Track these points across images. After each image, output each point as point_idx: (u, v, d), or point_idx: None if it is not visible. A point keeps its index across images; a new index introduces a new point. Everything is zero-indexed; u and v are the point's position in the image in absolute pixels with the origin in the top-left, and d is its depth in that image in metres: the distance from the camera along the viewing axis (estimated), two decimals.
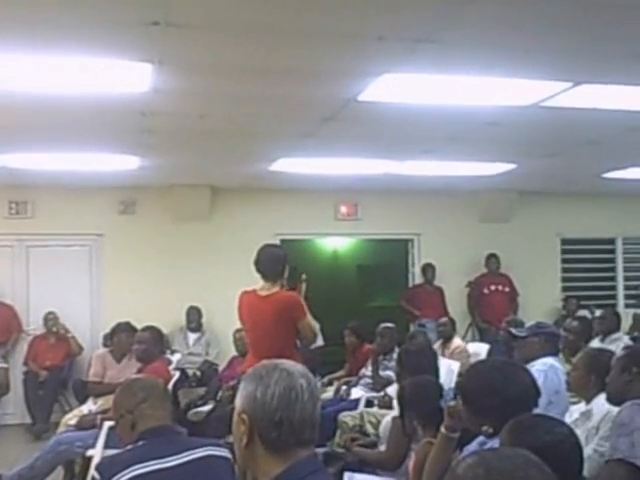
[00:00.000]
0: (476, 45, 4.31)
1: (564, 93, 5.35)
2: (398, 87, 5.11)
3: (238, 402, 1.95)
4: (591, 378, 3.79)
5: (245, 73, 4.77)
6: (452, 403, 3.12)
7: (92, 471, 2.70)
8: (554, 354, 4.75)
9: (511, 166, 8.54)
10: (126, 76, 4.76)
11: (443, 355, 7.87)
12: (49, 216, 9.45)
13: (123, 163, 7.80)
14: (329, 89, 5.18)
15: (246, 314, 5.39)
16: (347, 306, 12.50)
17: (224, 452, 2.82)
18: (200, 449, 2.77)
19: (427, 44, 4.19)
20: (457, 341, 8.14)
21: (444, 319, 8.53)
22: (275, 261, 5.21)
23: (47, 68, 4.57)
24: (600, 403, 3.70)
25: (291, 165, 8.19)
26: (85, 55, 4.34)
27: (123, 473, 2.58)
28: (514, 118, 6.13)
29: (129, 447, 2.83)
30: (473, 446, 2.88)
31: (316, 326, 5.61)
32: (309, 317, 5.15)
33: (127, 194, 9.66)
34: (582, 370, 3.87)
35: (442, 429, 3.16)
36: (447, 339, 8.20)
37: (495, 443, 2.66)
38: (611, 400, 3.43)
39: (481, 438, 2.84)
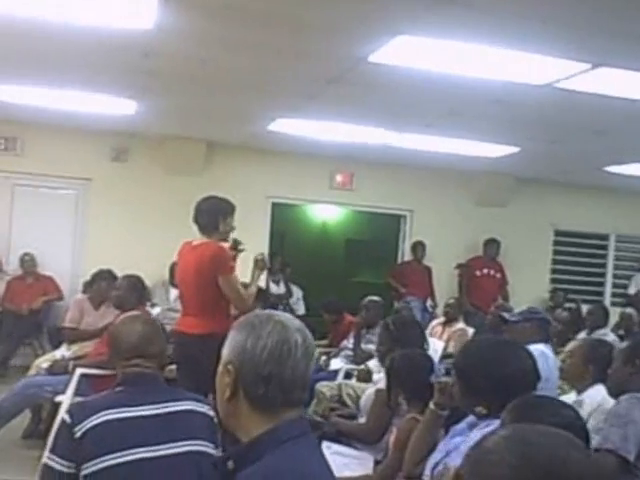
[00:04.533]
0: (497, 9, 4.13)
1: (581, 75, 5.20)
2: (411, 50, 4.95)
3: (225, 351, 1.79)
4: (588, 368, 3.67)
5: (255, 18, 4.58)
6: (444, 379, 2.98)
7: (62, 414, 2.53)
8: (545, 341, 4.62)
9: (514, 149, 8.37)
10: (132, 9, 4.54)
11: (442, 334, 7.75)
12: (38, 155, 9.20)
13: (119, 107, 7.56)
14: (341, 45, 4.99)
15: (178, 266, 5.23)
16: (332, 279, 12.41)
17: (205, 408, 2.66)
18: (180, 402, 2.61)
19: (449, 5, 4.00)
20: (461, 324, 8.00)
21: (452, 300, 8.39)
22: (208, 213, 4.98)
23: None
24: (593, 394, 3.58)
25: (290, 126, 7.99)
26: None
27: (95, 416, 2.42)
28: (525, 97, 5.96)
29: (106, 392, 2.67)
30: (462, 426, 2.73)
31: (252, 294, 5.08)
32: (235, 276, 4.85)
33: (120, 141, 9.42)
34: (579, 359, 3.75)
35: (431, 405, 3.02)
36: (451, 320, 8.05)
37: (487, 425, 2.52)
38: (611, 391, 3.31)
39: (471, 418, 2.69)
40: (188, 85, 6.52)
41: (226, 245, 5.04)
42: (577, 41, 4.56)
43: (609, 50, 4.67)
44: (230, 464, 1.74)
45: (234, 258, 5.07)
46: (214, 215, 4.96)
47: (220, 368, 1.80)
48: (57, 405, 5.34)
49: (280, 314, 1.83)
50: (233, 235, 5.16)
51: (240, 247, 5.14)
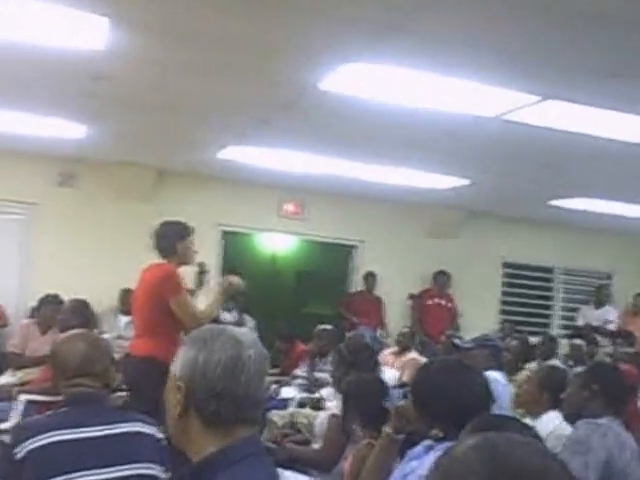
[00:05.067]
0: (446, 39, 4.17)
1: (530, 107, 5.26)
2: (361, 78, 4.97)
3: (175, 367, 1.72)
4: (543, 394, 3.66)
5: (205, 41, 4.56)
6: (402, 402, 2.93)
7: (2, 437, 2.42)
8: (498, 369, 4.62)
9: (464, 181, 8.44)
10: (82, 28, 4.46)
11: (394, 364, 7.72)
12: None
13: (68, 130, 7.42)
14: (292, 70, 4.98)
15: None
16: (283, 310, 12.30)
17: (153, 430, 2.57)
18: (127, 423, 2.52)
19: (398, 32, 4.03)
20: (413, 353, 7.98)
21: (405, 329, 8.39)
22: (164, 237, 5.00)
23: None
24: (546, 420, 3.57)
25: (240, 154, 7.94)
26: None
27: (37, 438, 2.32)
28: (475, 129, 6.02)
29: (49, 412, 2.57)
30: (418, 450, 2.69)
31: (209, 314, 5.01)
32: (185, 296, 4.79)
33: (67, 165, 9.23)
34: (534, 386, 3.74)
35: (387, 429, 2.96)
36: (404, 349, 8.03)
37: (444, 447, 2.47)
38: (567, 417, 3.30)
39: (428, 442, 2.65)
40: (139, 109, 6.43)
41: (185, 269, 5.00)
42: (526, 72, 4.62)
43: (558, 83, 4.75)
44: None
45: (200, 282, 5.07)
46: (171, 238, 4.96)
47: (169, 384, 1.73)
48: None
49: (233, 328, 1.77)
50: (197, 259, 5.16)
51: (205, 269, 5.14)
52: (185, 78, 5.39)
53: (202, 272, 5.18)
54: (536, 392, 3.72)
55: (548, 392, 3.65)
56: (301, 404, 6.35)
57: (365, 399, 3.48)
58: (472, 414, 2.38)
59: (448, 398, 2.50)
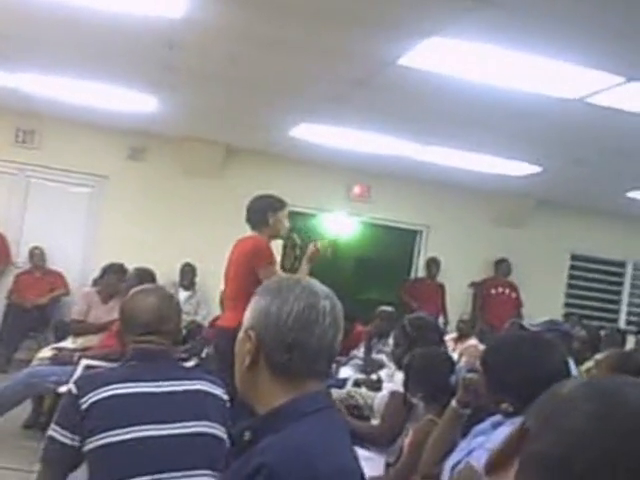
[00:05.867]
0: (535, 14, 4.04)
1: (614, 89, 5.07)
2: (441, 54, 4.84)
3: (247, 316, 1.68)
4: None
5: (285, 13, 4.50)
6: (470, 375, 2.84)
7: (69, 385, 2.41)
8: (567, 355, 4.47)
9: (536, 169, 8.24)
10: None
11: (454, 350, 7.64)
12: (55, 150, 9.14)
13: (139, 103, 7.48)
14: (371, 45, 4.89)
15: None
16: (341, 295, 12.21)
17: (219, 391, 2.54)
18: (193, 381, 2.49)
19: (486, 5, 3.90)
20: (473, 340, 7.89)
21: (465, 316, 8.31)
22: (254, 210, 5.06)
23: None
24: None
25: (312, 132, 7.90)
26: None
27: (102, 389, 2.31)
28: (553, 111, 5.84)
29: (116, 365, 2.55)
30: (485, 426, 2.60)
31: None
32: (275, 268, 4.81)
33: (138, 140, 9.35)
34: (606, 371, 3.60)
35: (453, 403, 2.88)
36: (464, 336, 7.95)
37: (513, 422, 2.38)
38: None
39: (495, 418, 2.56)
40: (212, 83, 6.43)
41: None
42: (613, 52, 4.45)
43: None
44: (247, 435, 1.61)
45: (294, 256, 5.07)
46: (263, 211, 5.01)
47: (240, 334, 1.68)
48: (59, 396, 5.22)
49: (308, 279, 1.72)
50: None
51: (296, 242, 5.13)
52: (261, 51, 5.35)
53: (293, 246, 5.18)
54: (607, 376, 3.58)
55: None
56: (357, 384, 6.31)
57: (430, 373, 3.39)
58: (546, 390, 2.29)
59: (524, 370, 2.39)
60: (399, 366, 4.09)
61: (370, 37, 4.75)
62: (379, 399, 4.25)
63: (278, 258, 5.32)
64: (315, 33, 4.82)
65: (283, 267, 5.03)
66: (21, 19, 5.25)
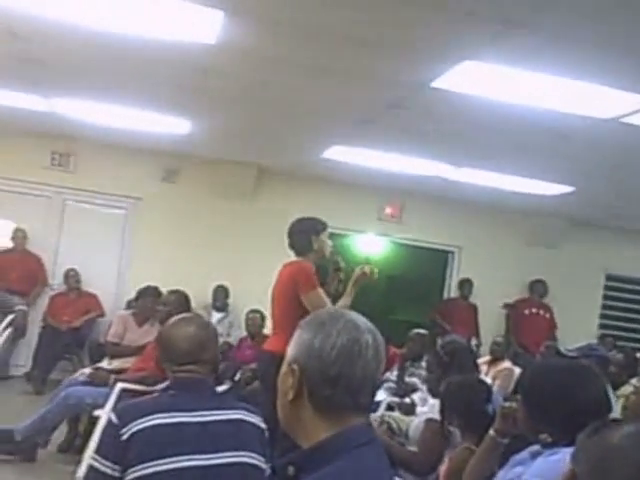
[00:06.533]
0: (570, 39, 4.03)
1: None
2: (475, 77, 4.84)
3: (290, 350, 1.67)
4: None
5: (320, 38, 4.53)
6: (508, 404, 2.82)
7: (109, 414, 2.42)
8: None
9: (569, 189, 8.19)
10: (195, 22, 4.51)
11: (487, 373, 7.58)
12: (90, 172, 9.27)
13: (173, 126, 7.56)
14: (404, 68, 4.90)
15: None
16: (371, 316, 12.18)
17: (256, 419, 2.54)
18: (232, 410, 2.50)
19: (517, 28, 3.91)
20: (507, 363, 7.83)
21: (499, 339, 8.25)
22: (299, 233, 4.98)
23: (113, 2, 4.32)
24: None
25: (344, 154, 7.91)
26: None
27: (143, 419, 2.32)
28: (587, 131, 5.81)
29: (156, 395, 2.56)
30: (523, 455, 2.57)
31: (340, 303, 4.88)
32: (319, 292, 4.72)
33: (171, 161, 9.45)
34: None
35: (491, 432, 2.85)
36: (498, 358, 7.89)
37: (553, 453, 2.36)
38: None
39: (534, 447, 2.53)
40: (246, 106, 6.49)
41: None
42: None
43: None
44: (291, 470, 1.61)
45: (337, 279, 5.01)
46: (306, 234, 4.95)
47: (283, 368, 1.68)
48: (95, 419, 5.26)
49: (351, 312, 1.72)
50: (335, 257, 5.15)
51: (340, 266, 5.08)
52: (294, 75, 5.39)
53: (337, 269, 5.13)
54: None
55: None
56: (390, 407, 6.28)
57: (466, 401, 3.37)
58: (589, 420, 2.25)
59: (564, 400, 2.36)
60: (433, 393, 4.07)
61: (402, 61, 4.77)
62: (414, 427, 4.21)
63: None
64: (347, 57, 4.84)
65: (327, 291, 4.95)
66: (57, 45, 5.34)
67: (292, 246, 5.01)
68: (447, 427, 3.47)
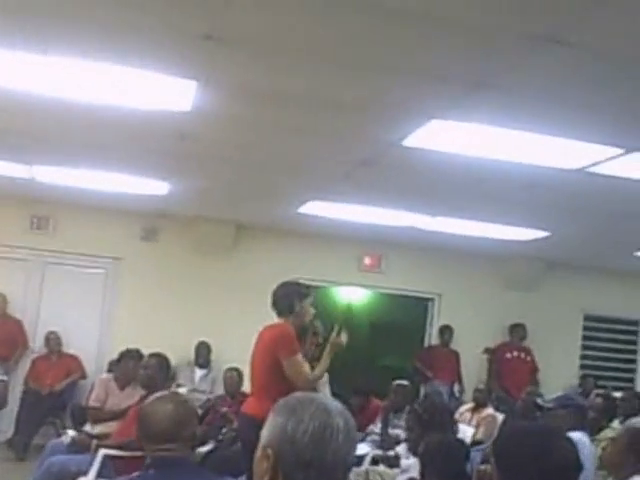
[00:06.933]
0: (532, 97, 4.18)
1: (614, 160, 5.18)
2: (444, 135, 4.98)
3: (264, 435, 1.73)
4: (629, 457, 3.53)
5: (290, 101, 4.64)
6: (483, 467, 2.87)
7: None
8: (582, 429, 4.49)
9: (544, 233, 8.34)
10: (169, 92, 4.62)
11: (470, 420, 7.62)
12: (70, 234, 9.32)
13: (152, 187, 7.65)
14: (376, 128, 5.04)
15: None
16: (357, 363, 12.25)
17: None
18: None
19: (486, 89, 4.04)
20: (490, 410, 7.87)
21: (481, 385, 8.32)
22: (281, 297, 5.05)
23: (89, 74, 4.42)
24: None
25: (320, 209, 8.03)
26: (129, 65, 4.22)
27: None
28: (557, 181, 5.96)
29: (136, 474, 2.60)
30: None
31: (320, 376, 5.09)
32: (299, 359, 4.81)
33: (150, 221, 9.52)
34: (621, 446, 3.61)
35: None
36: (480, 405, 7.93)
37: None
38: None
39: None
40: (222, 167, 6.59)
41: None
42: (610, 126, 4.57)
43: None
44: None
45: (315, 343, 5.09)
46: (289, 297, 5.01)
47: (258, 452, 1.74)
48: None
49: (322, 396, 1.78)
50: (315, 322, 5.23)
51: (317, 331, 5.16)
52: (267, 137, 5.52)
53: (314, 333, 5.23)
54: (622, 455, 3.58)
55: (634, 455, 3.52)
56: (375, 461, 6.29)
57: (445, 462, 3.41)
58: None
59: (534, 464, 2.41)
60: (414, 452, 4.11)
61: (374, 121, 4.90)
62: None
63: None
64: (321, 118, 4.96)
65: (304, 354, 5.03)
66: (36, 116, 5.42)
67: (275, 306, 5.07)
68: None
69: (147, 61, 4.15)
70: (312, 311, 5.14)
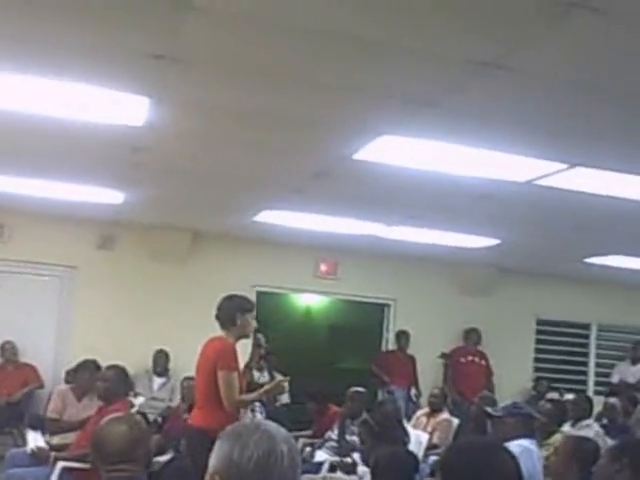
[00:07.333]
0: (477, 115, 4.32)
1: (559, 174, 5.35)
2: (394, 149, 5.10)
3: (212, 461, 1.80)
4: (572, 466, 3.67)
5: (243, 117, 4.72)
6: None
7: None
8: (530, 436, 4.62)
9: (495, 241, 8.51)
10: (123, 108, 4.67)
11: (427, 425, 7.74)
12: (24, 242, 9.22)
13: (106, 196, 7.65)
14: (326, 144, 5.15)
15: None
16: (316, 365, 12.35)
17: None
18: None
19: (431, 108, 4.16)
20: (446, 414, 8.00)
21: (436, 390, 8.43)
22: (224, 310, 5.18)
23: (41, 89, 4.45)
24: None
25: (276, 217, 8.10)
26: (82, 81, 4.26)
27: None
28: (506, 193, 6.12)
29: None
30: None
31: (246, 402, 5.31)
32: (232, 376, 4.94)
33: (106, 229, 9.49)
34: (564, 457, 3.75)
35: None
36: (436, 410, 8.05)
37: None
38: None
39: None
40: (176, 178, 6.64)
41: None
42: (554, 143, 4.73)
43: (584, 151, 4.85)
44: None
45: (259, 356, 5.25)
46: (232, 311, 5.13)
47: (207, 478, 1.81)
48: None
49: (267, 423, 1.86)
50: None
51: (260, 343, 5.31)
52: (221, 150, 5.59)
53: (258, 345, 5.38)
54: (565, 464, 3.72)
55: (577, 464, 3.66)
56: (332, 468, 6.37)
57: (395, 474, 3.51)
58: None
59: (477, 478, 2.53)
60: (366, 463, 4.21)
61: (326, 136, 5.01)
62: None
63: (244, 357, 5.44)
64: (273, 133, 5.04)
65: (248, 365, 5.20)
66: None
67: (217, 318, 5.20)
68: None
69: (101, 78, 4.20)
70: (254, 324, 5.28)
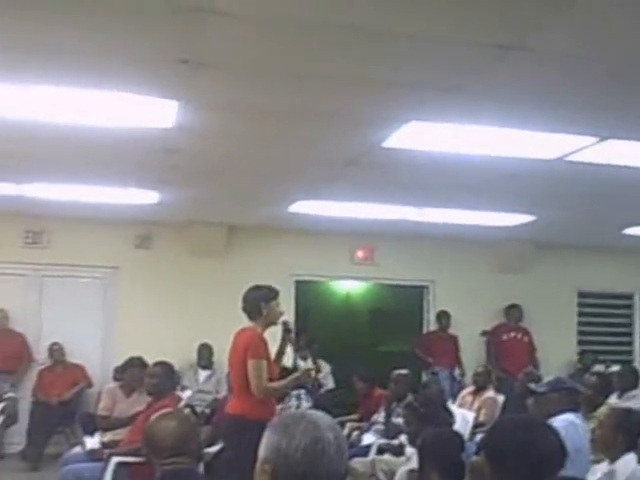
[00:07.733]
0: (503, 97, 4.33)
1: (589, 148, 5.33)
2: (423, 135, 5.13)
3: (262, 451, 1.88)
4: (618, 437, 3.69)
5: (271, 115, 4.78)
6: (475, 458, 3.02)
7: None
8: (574, 410, 4.65)
9: (530, 218, 8.49)
10: (152, 112, 4.76)
11: (472, 403, 7.77)
12: (65, 247, 9.43)
13: (142, 197, 7.79)
14: (355, 134, 5.19)
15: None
16: (359, 350, 12.44)
17: None
18: None
19: (457, 93, 4.19)
20: (491, 392, 8.02)
21: (480, 368, 8.45)
22: (250, 301, 5.31)
23: (73, 99, 4.58)
24: (625, 463, 3.60)
25: (310, 207, 8.17)
26: (111, 89, 4.36)
27: None
28: (536, 171, 6.11)
29: None
30: None
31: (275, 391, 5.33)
32: (261, 364, 5.04)
33: (144, 228, 9.65)
34: (609, 429, 3.77)
35: None
36: (481, 388, 8.08)
37: None
38: None
39: None
40: (209, 176, 6.74)
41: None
42: (582, 118, 4.71)
43: (614, 124, 4.83)
44: None
45: (286, 339, 5.38)
46: (257, 301, 5.27)
47: (258, 467, 1.89)
48: None
49: (312, 413, 1.92)
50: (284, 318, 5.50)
51: (289, 327, 5.43)
52: (251, 147, 5.66)
53: (287, 330, 5.49)
54: (610, 436, 3.75)
55: (623, 435, 3.68)
56: (380, 450, 6.44)
57: (442, 454, 3.57)
58: (547, 470, 2.48)
59: (521, 457, 2.57)
60: (413, 445, 4.27)
61: (355, 126, 5.03)
62: (399, 477, 4.41)
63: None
64: (304, 126, 5.08)
65: (281, 350, 5.38)
66: (26, 138, 5.55)
67: (244, 310, 5.34)
68: (426, 478, 3.66)
69: (131, 84, 4.29)
70: (280, 310, 5.40)
